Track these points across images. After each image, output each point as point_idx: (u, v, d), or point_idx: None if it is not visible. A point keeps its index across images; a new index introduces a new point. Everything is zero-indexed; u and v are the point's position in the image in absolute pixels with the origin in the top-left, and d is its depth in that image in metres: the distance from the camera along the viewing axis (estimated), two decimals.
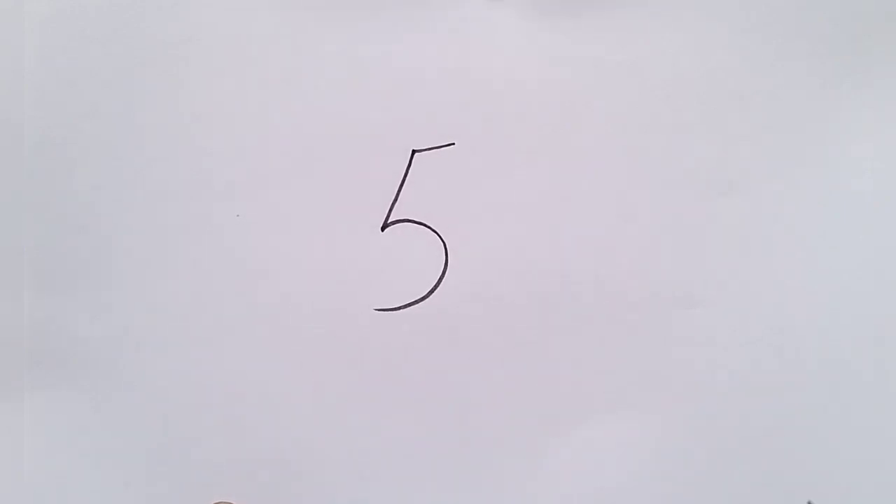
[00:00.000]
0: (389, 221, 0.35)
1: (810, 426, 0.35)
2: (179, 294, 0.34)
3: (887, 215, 0.36)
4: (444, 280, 0.35)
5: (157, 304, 0.34)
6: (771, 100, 0.36)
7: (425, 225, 0.35)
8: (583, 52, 0.36)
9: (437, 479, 0.35)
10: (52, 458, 0.34)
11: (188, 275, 0.35)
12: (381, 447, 0.35)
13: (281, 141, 0.35)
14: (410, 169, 0.36)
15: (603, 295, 0.35)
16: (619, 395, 0.35)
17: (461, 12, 0.36)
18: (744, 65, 0.36)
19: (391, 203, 0.35)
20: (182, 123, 0.35)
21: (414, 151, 0.35)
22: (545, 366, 0.35)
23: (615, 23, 0.36)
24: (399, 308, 0.35)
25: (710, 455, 0.35)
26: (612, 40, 0.36)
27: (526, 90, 0.36)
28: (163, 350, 0.34)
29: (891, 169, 0.36)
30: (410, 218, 0.35)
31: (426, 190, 0.35)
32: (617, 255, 0.35)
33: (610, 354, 0.35)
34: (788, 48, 0.36)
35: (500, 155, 0.35)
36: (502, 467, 0.35)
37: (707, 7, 0.36)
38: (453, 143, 0.34)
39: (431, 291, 0.35)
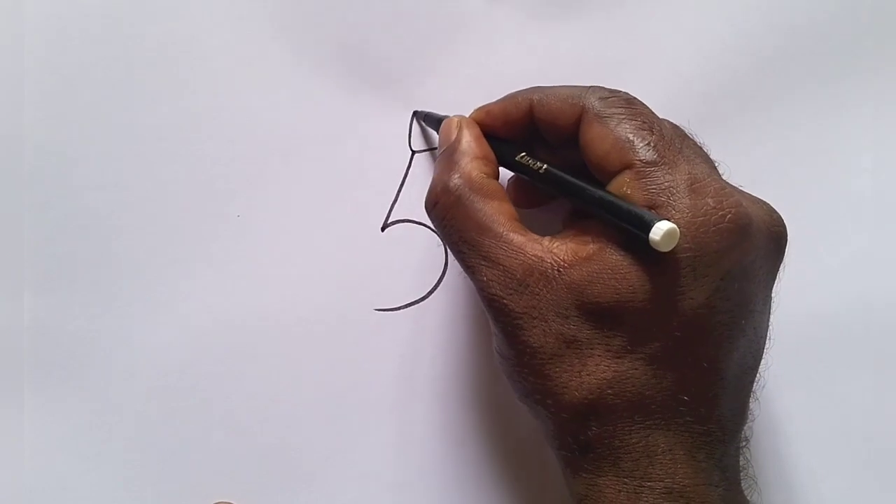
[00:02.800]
0: (389, 221, 0.35)
1: (810, 419, 0.35)
2: (179, 294, 0.34)
3: (887, 215, 0.36)
4: (443, 280, 0.35)
5: (157, 304, 0.34)
6: (771, 100, 0.36)
7: (425, 225, 0.35)
8: (583, 52, 0.36)
9: (437, 479, 0.35)
10: (52, 458, 0.34)
11: (188, 275, 0.35)
12: (382, 447, 0.35)
13: (281, 141, 0.35)
14: (410, 169, 0.36)
15: None
16: None
17: (461, 12, 0.36)
18: (744, 65, 0.36)
19: (391, 203, 0.35)
20: (182, 123, 0.35)
21: (414, 151, 0.36)
22: None
23: (615, 23, 0.36)
24: (399, 308, 0.35)
25: None
26: (612, 40, 0.36)
27: None
28: (163, 350, 0.34)
29: (891, 169, 0.36)
30: (410, 218, 0.35)
31: (426, 190, 0.35)
32: None
33: None
34: (788, 48, 0.36)
35: None
36: (503, 465, 0.35)
37: (707, 7, 0.36)
38: None
39: (431, 291, 0.35)
